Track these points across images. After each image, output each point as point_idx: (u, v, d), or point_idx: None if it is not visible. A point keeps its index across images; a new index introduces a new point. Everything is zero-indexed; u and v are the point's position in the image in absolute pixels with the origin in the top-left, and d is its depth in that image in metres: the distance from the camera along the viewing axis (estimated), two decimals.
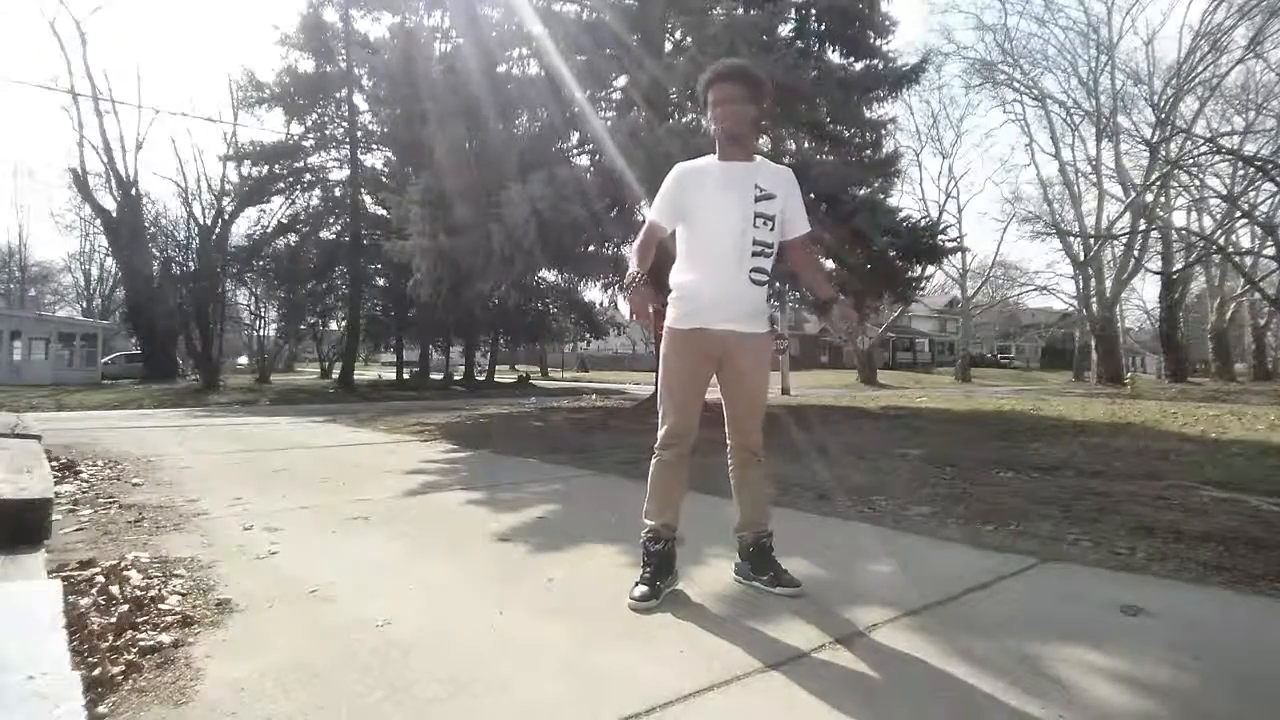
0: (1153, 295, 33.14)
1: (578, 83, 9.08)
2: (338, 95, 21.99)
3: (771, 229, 2.21)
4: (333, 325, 28.18)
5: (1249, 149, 19.69)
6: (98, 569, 2.33)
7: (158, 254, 24.31)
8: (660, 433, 2.29)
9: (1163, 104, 22.16)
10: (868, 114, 10.25)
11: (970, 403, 12.94)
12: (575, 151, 10.65)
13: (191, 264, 22.14)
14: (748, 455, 2.31)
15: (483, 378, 27.09)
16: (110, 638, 1.77)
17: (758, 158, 2.30)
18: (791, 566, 2.46)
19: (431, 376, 26.59)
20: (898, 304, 19.05)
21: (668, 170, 2.34)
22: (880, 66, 10.21)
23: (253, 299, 28.85)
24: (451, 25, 10.78)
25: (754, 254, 2.19)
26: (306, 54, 21.25)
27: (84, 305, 41.96)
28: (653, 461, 2.32)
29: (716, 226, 2.20)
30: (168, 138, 69.91)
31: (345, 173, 22.33)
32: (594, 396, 17.03)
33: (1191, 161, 19.42)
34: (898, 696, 1.56)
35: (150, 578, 2.28)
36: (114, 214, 24.40)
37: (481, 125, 9.14)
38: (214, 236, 21.89)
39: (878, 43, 10.28)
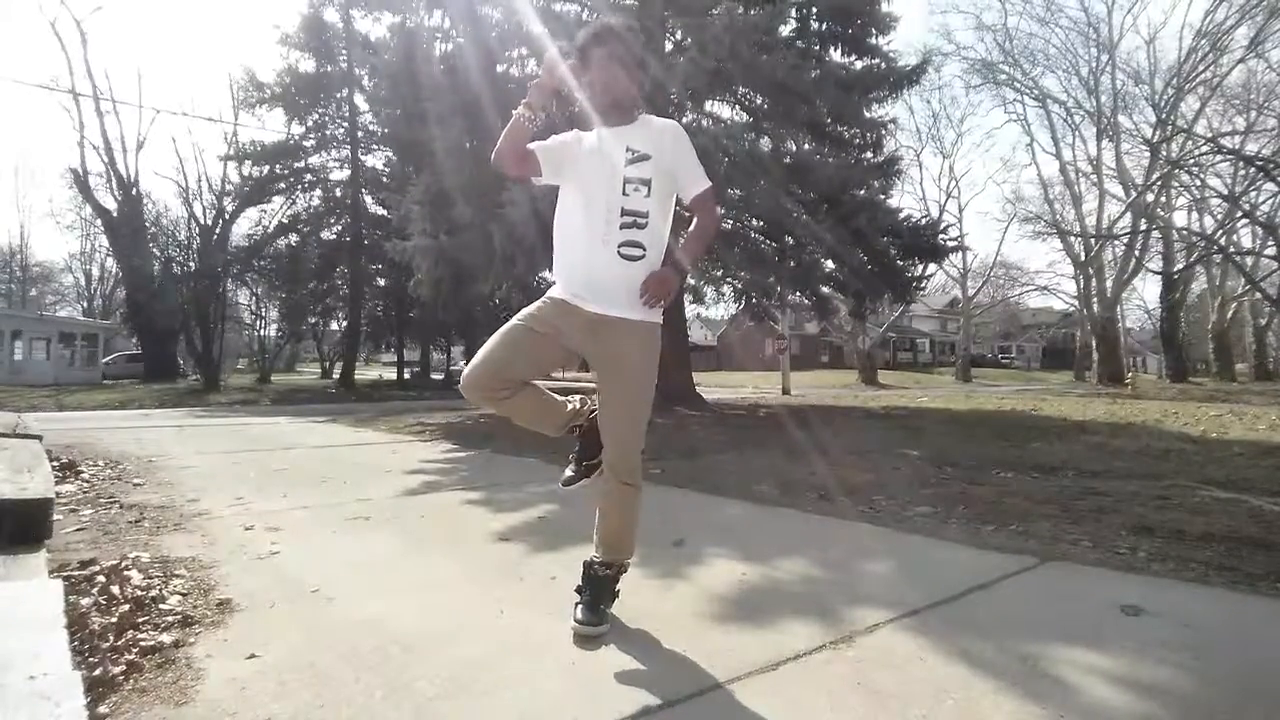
0: (1154, 295, 33.20)
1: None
2: (338, 95, 22.06)
3: (647, 195, 1.91)
4: (333, 325, 28.22)
5: (1250, 149, 19.70)
6: (99, 569, 2.34)
7: (158, 254, 24.35)
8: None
9: (1163, 104, 22.19)
10: (868, 114, 10.25)
11: (971, 403, 12.93)
12: None
13: (192, 264, 22.17)
14: (612, 479, 1.96)
15: None
16: (111, 638, 1.77)
17: (641, 116, 2.00)
18: (793, 566, 2.46)
19: (432, 376, 26.63)
20: (898, 304, 19.03)
21: None
22: (881, 66, 10.22)
23: (253, 299, 28.89)
24: (452, 25, 10.79)
25: (623, 225, 1.89)
26: (307, 54, 21.31)
27: (84, 305, 42.02)
28: None
29: (583, 193, 1.94)
30: (168, 137, 70.14)
31: (346, 173, 22.42)
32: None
33: (1192, 161, 19.41)
34: (899, 696, 1.56)
35: (151, 577, 2.29)
36: (114, 214, 24.45)
37: (482, 125, 9.14)
38: (215, 236, 21.94)
39: (878, 40, 10.30)
